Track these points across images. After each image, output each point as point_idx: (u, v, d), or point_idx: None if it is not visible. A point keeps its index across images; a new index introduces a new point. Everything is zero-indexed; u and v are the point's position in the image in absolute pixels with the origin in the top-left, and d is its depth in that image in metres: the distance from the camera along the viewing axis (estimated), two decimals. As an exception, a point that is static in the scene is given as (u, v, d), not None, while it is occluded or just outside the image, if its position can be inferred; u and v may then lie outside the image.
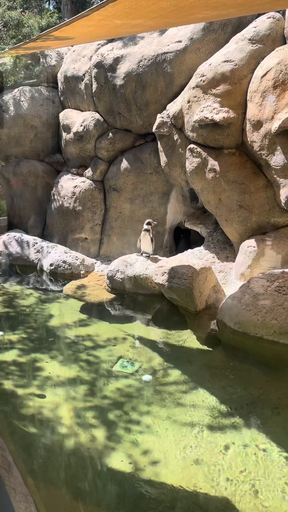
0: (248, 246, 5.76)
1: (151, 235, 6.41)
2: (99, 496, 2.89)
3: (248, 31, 5.82)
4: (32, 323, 5.45)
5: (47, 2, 15.52)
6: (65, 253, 7.32)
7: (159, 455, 3.16)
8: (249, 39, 5.72)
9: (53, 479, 3.03)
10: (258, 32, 5.70)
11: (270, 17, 5.73)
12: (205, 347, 4.87)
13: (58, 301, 6.20)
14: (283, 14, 5.70)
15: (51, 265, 7.14)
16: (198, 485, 2.89)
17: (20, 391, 3.93)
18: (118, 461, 3.10)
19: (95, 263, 7.53)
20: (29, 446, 3.28)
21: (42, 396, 3.88)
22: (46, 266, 7.21)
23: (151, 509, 2.75)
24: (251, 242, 5.76)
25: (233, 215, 5.97)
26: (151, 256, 6.44)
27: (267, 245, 5.62)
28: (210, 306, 5.62)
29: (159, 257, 6.48)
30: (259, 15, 5.92)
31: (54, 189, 8.35)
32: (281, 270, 5.19)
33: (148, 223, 6.42)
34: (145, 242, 6.41)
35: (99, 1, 9.67)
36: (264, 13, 5.78)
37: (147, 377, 4.14)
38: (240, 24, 6.27)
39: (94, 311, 5.95)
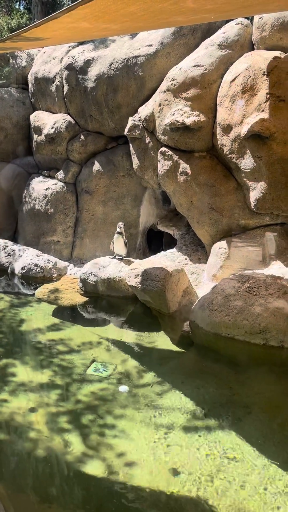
0: (220, 247, 5.85)
1: (124, 238, 6.42)
2: (73, 501, 2.87)
3: (217, 36, 5.92)
4: (3, 328, 5.36)
5: (17, 3, 15.32)
6: (37, 256, 7.23)
7: (133, 458, 3.16)
8: (218, 45, 5.82)
9: (24, 486, 2.99)
10: (227, 37, 5.80)
11: (238, 23, 5.84)
12: (178, 349, 4.91)
13: (30, 305, 6.12)
14: (251, 20, 5.83)
15: (22, 268, 7.04)
16: (171, 487, 2.91)
17: (-9, 398, 3.85)
18: (92, 465, 3.09)
19: (68, 266, 7.47)
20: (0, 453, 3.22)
21: (14, 402, 3.82)
22: (17, 270, 7.10)
23: (125, 510, 2.75)
24: (222, 244, 5.85)
25: (205, 217, 6.05)
26: (124, 258, 6.44)
27: (238, 246, 5.72)
28: (183, 308, 5.67)
29: (132, 260, 6.49)
30: (228, 21, 6.03)
31: (25, 191, 8.23)
32: (251, 271, 5.29)
33: (119, 227, 6.43)
34: (119, 245, 6.42)
35: (69, 3, 9.63)
36: (232, 19, 5.90)
37: (123, 388, 4.06)
38: (209, 30, 6.37)
39: (67, 314, 5.90)
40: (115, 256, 6.48)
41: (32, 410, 3.73)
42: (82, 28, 4.09)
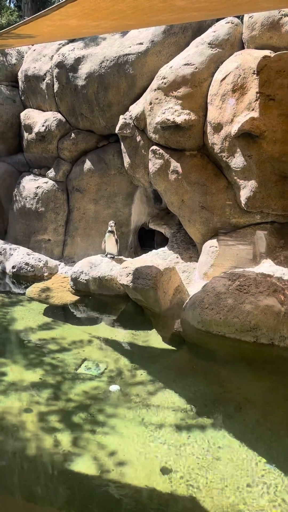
0: (211, 246, 5.87)
1: (116, 236, 6.42)
2: (62, 500, 2.87)
3: (208, 35, 5.93)
4: (-6, 328, 5.33)
5: (7, 0, 15.20)
6: (28, 255, 7.20)
7: (125, 457, 3.17)
8: (209, 43, 5.83)
9: (13, 485, 2.98)
10: (217, 36, 5.81)
11: (228, 22, 5.86)
12: (170, 347, 4.92)
13: (21, 304, 6.09)
14: (242, 19, 5.85)
15: (13, 267, 7.00)
16: (162, 485, 2.92)
17: (-19, 398, 3.83)
18: (82, 464, 3.09)
19: (59, 264, 7.45)
20: (-9, 454, 3.20)
21: (5, 402, 3.80)
22: (8, 269, 7.06)
23: (115, 510, 2.75)
24: (213, 242, 5.87)
25: (196, 216, 6.06)
26: (116, 257, 6.44)
27: (229, 245, 5.74)
28: (174, 306, 5.68)
29: (124, 258, 6.49)
30: (218, 19, 6.04)
31: (15, 190, 8.19)
32: (242, 269, 5.32)
33: (110, 225, 6.42)
34: (110, 243, 6.41)
35: (59, 0, 9.57)
36: (223, 18, 5.91)
37: (114, 387, 4.05)
38: (200, 28, 6.38)
39: (58, 313, 5.88)
40: (106, 255, 6.47)
41: (23, 409, 3.72)
42: (72, 25, 4.07)
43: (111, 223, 6.48)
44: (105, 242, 6.46)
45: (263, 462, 3.10)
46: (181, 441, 3.33)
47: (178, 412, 3.68)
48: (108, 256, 6.45)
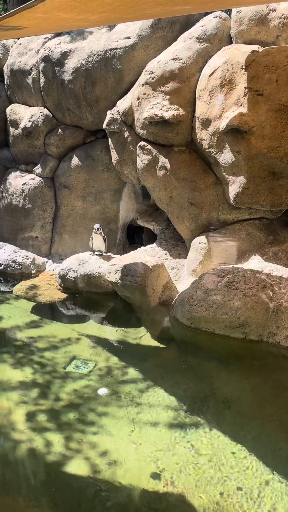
0: (199, 242, 5.85)
1: (103, 234, 6.34)
2: (53, 500, 2.83)
3: (196, 29, 5.88)
4: (-20, 326, 5.25)
5: (-8, -8, 14.92)
6: (15, 252, 7.10)
7: (115, 456, 3.14)
8: (197, 38, 5.78)
9: (3, 486, 2.93)
10: (205, 31, 5.77)
11: (216, 17, 5.82)
12: (159, 344, 4.90)
13: (8, 302, 6.01)
14: (230, 14, 5.81)
15: (0, 265, 6.90)
16: (153, 484, 2.89)
17: None
18: (73, 464, 3.05)
19: (47, 262, 7.37)
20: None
21: (-9, 402, 3.74)
22: (-5, 267, 6.96)
23: (107, 510, 2.72)
24: (202, 238, 5.85)
25: (184, 212, 6.04)
26: (104, 254, 6.38)
27: (217, 241, 5.73)
28: (163, 303, 5.66)
29: (112, 255, 6.44)
30: (206, 14, 6.00)
31: (2, 186, 8.07)
32: (231, 266, 5.31)
33: (97, 229, 6.27)
34: (98, 241, 6.34)
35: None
36: (211, 12, 5.87)
37: (103, 390, 3.96)
38: (187, 23, 6.33)
39: (46, 311, 5.82)
40: (94, 253, 6.41)
41: (12, 409, 3.66)
42: (58, 18, 3.99)
43: (97, 225, 6.31)
44: (92, 240, 6.39)
45: (253, 459, 3.10)
46: (171, 439, 3.31)
47: (168, 410, 3.67)
48: (96, 253, 6.39)
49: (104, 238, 6.33)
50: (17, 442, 3.28)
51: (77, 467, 3.03)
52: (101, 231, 6.28)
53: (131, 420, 3.53)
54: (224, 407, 3.73)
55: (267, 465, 3.04)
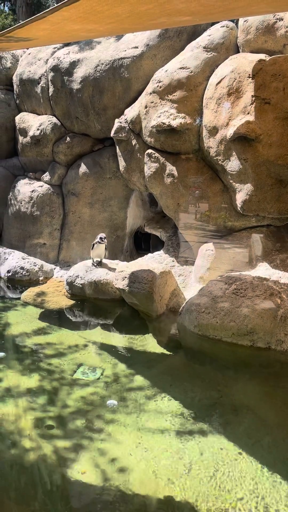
0: (207, 249, 5.86)
1: (105, 244, 6.23)
2: (62, 508, 2.83)
3: (203, 39, 5.94)
4: (-11, 333, 5.28)
5: (2, 4, 15.19)
6: (23, 259, 7.15)
7: (123, 463, 3.13)
8: (204, 47, 5.84)
9: (10, 493, 2.93)
10: (212, 40, 5.82)
11: (223, 26, 5.87)
12: (166, 351, 4.89)
13: (16, 308, 6.04)
14: (236, 23, 5.87)
15: (8, 271, 6.95)
16: (162, 492, 2.88)
17: (-24, 404, 3.79)
18: (81, 471, 3.05)
19: (54, 268, 7.41)
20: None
21: (1, 408, 3.75)
22: (3, 273, 7.01)
23: (114, 518, 2.72)
24: (209, 245, 5.86)
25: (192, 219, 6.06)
26: (103, 260, 6.29)
27: (225, 248, 5.74)
28: (171, 310, 5.66)
29: (112, 262, 6.41)
30: (213, 23, 6.06)
31: (10, 194, 8.15)
32: (238, 273, 5.31)
33: (101, 238, 6.23)
34: (99, 250, 6.23)
35: (55, 4, 9.57)
36: (218, 22, 5.92)
37: (111, 402, 3.87)
38: (195, 32, 6.39)
39: (54, 318, 5.84)
40: (93, 261, 6.32)
41: (20, 415, 3.67)
42: (67, 29, 4.06)
43: (102, 235, 6.25)
44: (92, 248, 6.27)
45: (263, 468, 3.08)
46: (178, 447, 3.30)
47: (175, 417, 3.65)
48: (95, 261, 6.33)
49: (105, 247, 6.26)
50: (26, 449, 3.28)
51: (86, 474, 3.03)
52: (105, 241, 6.24)
53: (139, 427, 3.53)
54: (232, 415, 3.71)
55: (278, 474, 3.01)
